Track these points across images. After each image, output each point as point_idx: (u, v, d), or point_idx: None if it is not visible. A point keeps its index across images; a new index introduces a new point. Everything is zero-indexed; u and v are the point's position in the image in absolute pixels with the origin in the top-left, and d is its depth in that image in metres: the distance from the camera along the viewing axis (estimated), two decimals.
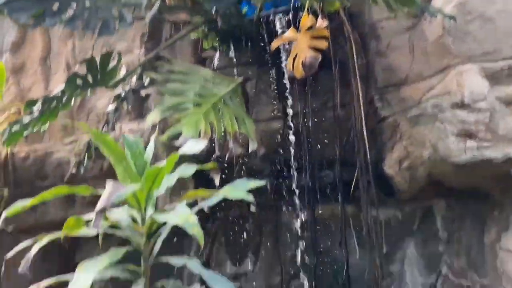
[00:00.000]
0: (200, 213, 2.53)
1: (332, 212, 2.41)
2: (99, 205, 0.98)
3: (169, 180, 1.14)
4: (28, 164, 2.84)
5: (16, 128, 1.94)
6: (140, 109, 2.68)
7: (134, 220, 1.15)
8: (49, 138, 3.03)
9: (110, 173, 2.68)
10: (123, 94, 2.30)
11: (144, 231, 1.10)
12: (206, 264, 2.69)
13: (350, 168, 2.30)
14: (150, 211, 1.12)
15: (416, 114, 2.13)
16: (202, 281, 1.25)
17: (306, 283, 2.31)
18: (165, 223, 1.14)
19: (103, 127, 2.50)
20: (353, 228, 2.41)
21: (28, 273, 1.07)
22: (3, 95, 3.09)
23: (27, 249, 1.34)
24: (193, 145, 1.15)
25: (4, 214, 1.25)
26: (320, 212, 2.39)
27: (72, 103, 2.26)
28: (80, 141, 2.86)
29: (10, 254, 1.19)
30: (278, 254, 2.50)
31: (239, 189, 1.13)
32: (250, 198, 1.10)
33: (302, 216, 2.38)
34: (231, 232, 2.59)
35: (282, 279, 2.45)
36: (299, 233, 2.40)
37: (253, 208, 1.24)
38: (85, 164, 2.44)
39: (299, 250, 2.39)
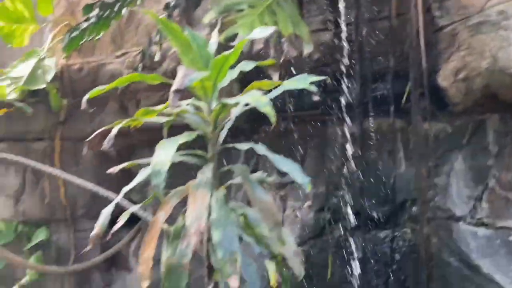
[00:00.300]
0: (248, 124, 2.62)
1: (379, 126, 2.42)
2: (174, 85, 1.04)
3: (231, 73, 1.17)
4: (83, 75, 2.95)
5: (75, 33, 2.00)
6: (189, 20, 2.67)
7: (200, 110, 1.20)
8: (100, 52, 3.11)
9: (161, 84, 2.80)
10: (173, 3, 2.30)
11: (211, 119, 1.16)
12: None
13: (401, 81, 2.27)
14: (215, 101, 1.17)
15: (477, 22, 2.02)
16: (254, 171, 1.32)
17: (353, 191, 2.38)
18: (229, 115, 1.19)
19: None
20: (401, 142, 2.43)
21: (112, 149, 1.16)
22: (54, 9, 3.15)
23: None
24: (262, 31, 1.15)
25: (86, 96, 1.33)
26: (368, 125, 2.41)
27: (123, 11, 2.29)
28: (130, 54, 2.93)
29: (90, 138, 1.28)
30: (324, 165, 2.57)
31: (301, 81, 1.15)
32: (312, 88, 1.12)
33: (350, 129, 2.41)
34: (277, 142, 2.66)
35: (327, 188, 2.54)
36: (346, 146, 2.44)
37: (316, 98, 1.27)
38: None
39: (345, 162, 2.45)
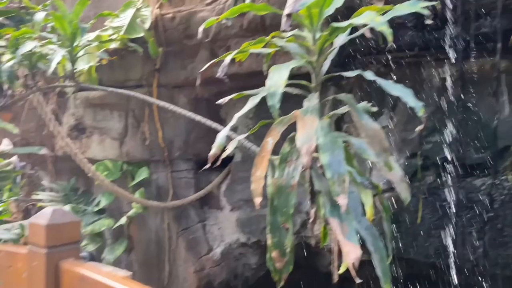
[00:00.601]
0: (338, 69, 2.58)
1: (482, 66, 2.26)
2: (286, 10, 1.06)
3: (336, 2, 1.17)
4: (175, 24, 3.06)
5: None
6: None
7: (304, 40, 1.22)
8: (190, 1, 3.20)
9: (250, 30, 2.83)
10: None
11: (316, 48, 1.17)
12: (340, 118, 2.81)
13: (510, 16, 2.08)
14: (319, 31, 1.18)
15: None
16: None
17: (449, 137, 2.29)
18: (332, 45, 1.20)
19: None
20: (505, 84, 2.26)
21: (225, 77, 1.23)
22: None
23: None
24: None
25: (202, 27, 1.39)
26: (469, 65, 2.26)
27: None
28: (220, 0, 2.98)
29: (203, 69, 1.35)
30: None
31: (413, 5, 1.11)
32: (425, 11, 1.08)
33: (449, 70, 2.28)
34: (367, 88, 2.60)
35: (420, 134, 2.46)
36: (444, 88, 2.33)
37: (428, 21, 1.22)
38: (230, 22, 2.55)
39: (442, 105, 2.35)
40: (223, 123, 3.30)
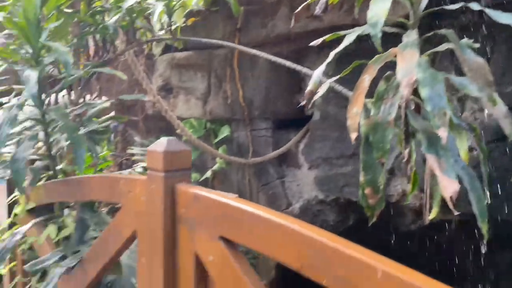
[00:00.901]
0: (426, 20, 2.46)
1: None
2: None
3: None
4: None
5: None
6: None
7: None
8: None
9: None
10: None
11: None
12: None
13: None
14: None
15: None
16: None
17: None
18: None
19: None
20: None
21: (322, 14, 1.24)
22: None
23: None
24: None
25: None
26: None
27: None
28: None
29: (297, 10, 1.37)
30: None
31: None
32: None
33: None
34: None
35: None
36: None
37: None
38: None
39: None
40: (302, 81, 3.31)
